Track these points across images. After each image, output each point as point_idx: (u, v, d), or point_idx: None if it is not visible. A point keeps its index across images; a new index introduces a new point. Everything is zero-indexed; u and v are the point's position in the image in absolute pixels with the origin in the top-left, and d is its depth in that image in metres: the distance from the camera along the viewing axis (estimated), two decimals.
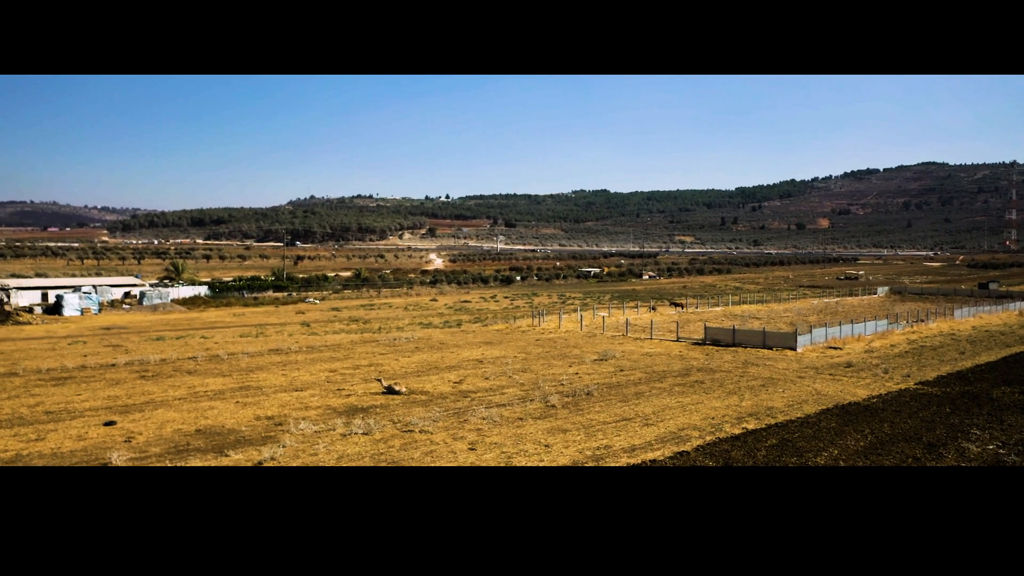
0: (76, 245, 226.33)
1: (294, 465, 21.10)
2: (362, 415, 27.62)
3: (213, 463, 21.45)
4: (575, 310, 72.00)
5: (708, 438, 24.59)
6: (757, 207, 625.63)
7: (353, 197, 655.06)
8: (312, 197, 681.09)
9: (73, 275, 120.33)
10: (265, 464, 21.28)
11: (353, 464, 21.36)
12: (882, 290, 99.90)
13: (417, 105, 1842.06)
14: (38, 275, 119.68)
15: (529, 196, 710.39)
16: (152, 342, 49.40)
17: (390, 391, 31.81)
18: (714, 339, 49.07)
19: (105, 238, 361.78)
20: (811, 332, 47.86)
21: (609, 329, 56.98)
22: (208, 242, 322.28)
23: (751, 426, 26.36)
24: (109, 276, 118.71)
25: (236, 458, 21.91)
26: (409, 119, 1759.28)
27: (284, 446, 23.15)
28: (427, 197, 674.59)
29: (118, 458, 21.45)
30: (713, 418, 27.57)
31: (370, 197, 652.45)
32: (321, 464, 21.24)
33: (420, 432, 25.11)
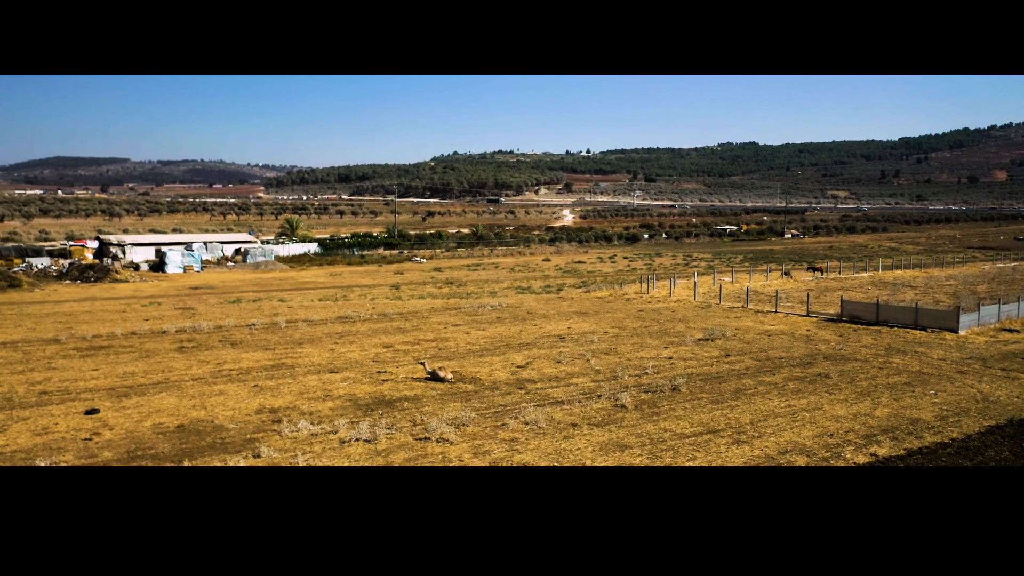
0: (232, 201, 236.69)
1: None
2: (381, 411, 22.68)
3: None
4: (696, 274, 64.42)
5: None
6: (923, 159, 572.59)
7: (494, 153, 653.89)
8: (455, 153, 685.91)
9: (205, 230, 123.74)
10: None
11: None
12: None
13: None
14: (174, 230, 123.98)
15: (672, 150, 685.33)
16: (227, 305, 46.85)
17: (433, 377, 26.74)
18: (852, 315, 40.79)
19: (260, 194, 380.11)
20: (979, 309, 38.65)
21: (728, 298, 49.49)
22: (352, 198, 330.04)
23: (883, 451, 19.23)
24: (240, 231, 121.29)
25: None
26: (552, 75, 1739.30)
27: (258, 456, 18.53)
28: (567, 152, 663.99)
29: (50, 464, 17.52)
30: (831, 434, 20.60)
31: (511, 153, 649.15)
32: None
33: (437, 441, 19.81)
